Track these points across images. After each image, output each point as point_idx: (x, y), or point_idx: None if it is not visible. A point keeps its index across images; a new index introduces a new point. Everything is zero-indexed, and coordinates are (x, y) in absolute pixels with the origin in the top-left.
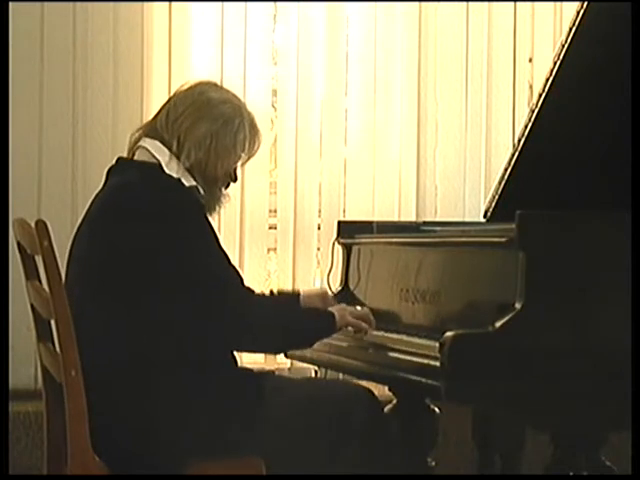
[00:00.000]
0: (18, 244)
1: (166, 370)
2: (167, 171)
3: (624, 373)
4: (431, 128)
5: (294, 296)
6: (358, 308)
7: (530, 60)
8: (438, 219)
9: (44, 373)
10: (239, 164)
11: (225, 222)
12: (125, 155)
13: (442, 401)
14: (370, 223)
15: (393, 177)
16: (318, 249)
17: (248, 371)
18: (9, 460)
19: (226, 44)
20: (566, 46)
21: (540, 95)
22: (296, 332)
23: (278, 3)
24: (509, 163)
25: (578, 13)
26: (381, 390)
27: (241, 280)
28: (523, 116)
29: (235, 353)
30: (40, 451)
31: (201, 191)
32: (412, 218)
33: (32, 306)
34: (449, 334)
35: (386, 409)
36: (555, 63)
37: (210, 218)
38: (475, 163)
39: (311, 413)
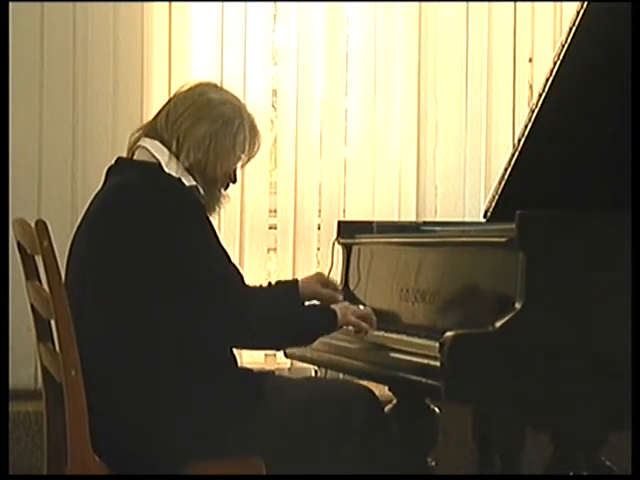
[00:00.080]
0: (18, 244)
1: (166, 370)
2: (167, 171)
3: (624, 373)
4: (431, 128)
5: (293, 288)
6: (361, 307)
7: (530, 60)
8: (438, 219)
9: (44, 373)
10: (239, 165)
11: (225, 222)
12: (125, 155)
13: (442, 401)
14: (370, 223)
15: (393, 177)
16: (318, 249)
17: (248, 371)
18: (9, 460)
19: (226, 44)
20: (566, 46)
21: (540, 95)
22: (296, 329)
23: (278, 3)
24: (509, 163)
25: (578, 13)
26: (381, 390)
27: (241, 278)
28: (523, 116)
29: (235, 353)
30: (40, 451)
31: (201, 191)
32: (412, 218)
33: (32, 306)
34: (449, 334)
35: (386, 409)
36: (555, 63)
37: (210, 218)
38: (475, 163)
39: (311, 413)
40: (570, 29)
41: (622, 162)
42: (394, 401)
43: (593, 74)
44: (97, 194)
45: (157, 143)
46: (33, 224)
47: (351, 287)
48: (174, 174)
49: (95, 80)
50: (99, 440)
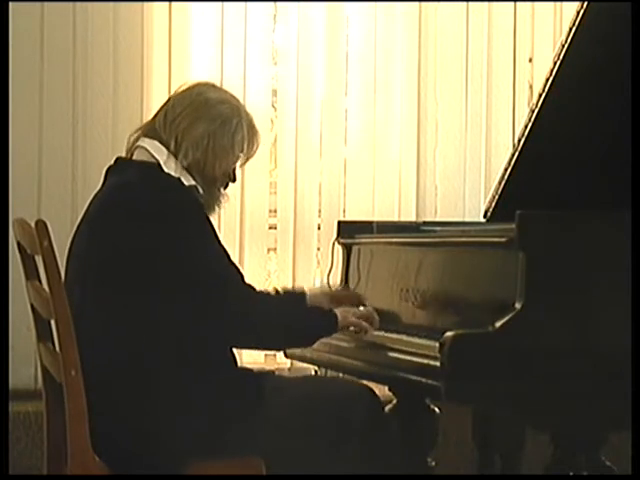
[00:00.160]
0: (18, 244)
1: (166, 370)
2: (166, 170)
3: (624, 373)
4: (431, 128)
5: (299, 295)
6: (361, 309)
7: (530, 60)
8: (438, 219)
9: (44, 373)
10: (238, 165)
11: (225, 222)
12: (124, 155)
13: (442, 401)
14: (370, 223)
15: (393, 177)
16: (318, 249)
17: (248, 371)
18: (9, 460)
19: (226, 44)
20: (566, 46)
21: (540, 95)
22: (297, 330)
23: (278, 3)
24: (509, 163)
25: (578, 13)
26: (381, 390)
27: (242, 277)
28: (523, 116)
29: (235, 353)
30: (40, 451)
31: (200, 190)
32: (412, 218)
33: (32, 306)
34: (449, 334)
35: (386, 409)
36: (555, 63)
37: (210, 218)
38: (475, 163)
39: (311, 413)
40: (570, 29)
41: (622, 162)
42: (394, 401)
43: (593, 74)
44: (97, 194)
45: (156, 143)
46: (33, 224)
47: (351, 287)
48: (173, 174)
49: (95, 80)
50: (99, 440)
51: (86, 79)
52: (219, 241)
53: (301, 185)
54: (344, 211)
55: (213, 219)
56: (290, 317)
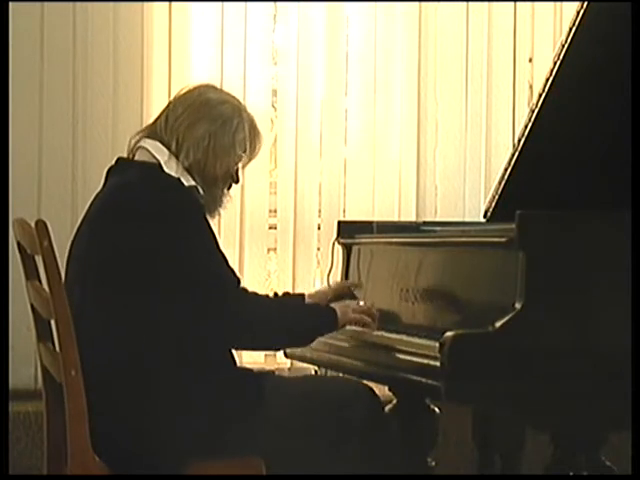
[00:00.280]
0: (18, 244)
1: (166, 370)
2: (167, 170)
3: (624, 373)
4: (431, 128)
5: (297, 295)
6: (361, 303)
7: (530, 60)
8: (438, 219)
9: (44, 373)
10: (240, 165)
11: (225, 222)
12: (125, 155)
13: (442, 401)
14: (370, 223)
15: (393, 177)
16: (318, 249)
17: (248, 371)
18: (9, 460)
19: (226, 44)
20: (566, 46)
21: (540, 95)
22: (296, 329)
23: (278, 3)
24: (509, 163)
25: (578, 13)
26: (381, 390)
27: (238, 281)
28: (523, 116)
29: (235, 353)
30: (40, 451)
31: (200, 191)
32: (412, 218)
33: (32, 306)
34: (449, 334)
35: (386, 409)
36: (555, 63)
37: (210, 219)
38: (475, 163)
39: (311, 413)
40: (570, 29)
41: (622, 162)
42: (394, 401)
43: (593, 74)
44: (97, 194)
45: (157, 144)
46: (33, 224)
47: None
48: (174, 174)
49: (95, 80)
50: (99, 440)
51: (86, 79)
52: (217, 243)
53: (301, 185)
54: (344, 211)
55: (213, 220)
56: (289, 316)
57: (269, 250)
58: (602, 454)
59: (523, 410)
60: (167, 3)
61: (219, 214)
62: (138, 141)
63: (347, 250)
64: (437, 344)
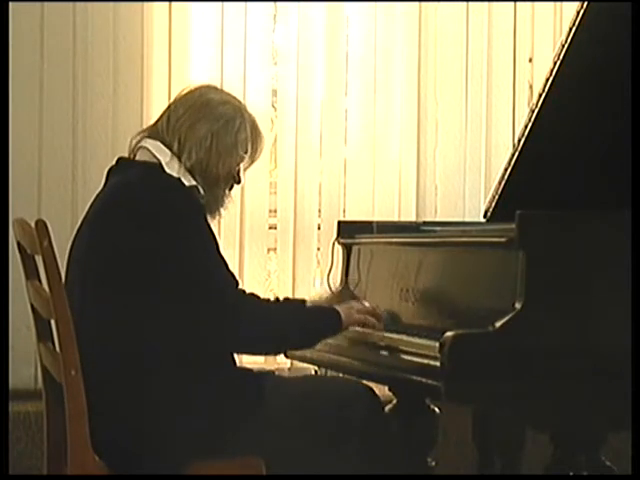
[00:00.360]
0: (18, 244)
1: (166, 370)
2: (168, 171)
3: (624, 373)
4: (431, 128)
5: (299, 300)
6: (366, 304)
7: (530, 60)
8: (438, 219)
9: (44, 373)
10: (242, 166)
11: (225, 222)
12: (125, 155)
13: (442, 401)
14: (370, 223)
15: (393, 177)
16: (318, 249)
17: (248, 371)
18: (9, 460)
19: (226, 44)
20: (566, 46)
21: (540, 95)
22: (298, 331)
23: (278, 3)
24: (509, 163)
25: (578, 13)
26: (381, 390)
27: (237, 283)
28: (523, 116)
29: (234, 354)
30: (40, 451)
31: (201, 191)
32: (412, 218)
33: (32, 306)
34: (449, 334)
35: (386, 409)
36: (555, 63)
37: (210, 220)
38: (475, 163)
39: (311, 412)
40: (570, 29)
41: (622, 162)
42: (394, 401)
43: (593, 74)
44: (98, 194)
45: (158, 144)
46: (33, 224)
47: (351, 287)
48: (175, 174)
49: (95, 80)
50: (99, 440)
51: (86, 79)
52: (217, 245)
53: (301, 185)
54: (344, 211)
55: (213, 221)
56: (291, 318)
57: (269, 250)
58: (602, 454)
59: (523, 410)
60: (167, 3)
61: (220, 214)
62: (139, 141)
63: (347, 250)
64: (437, 344)
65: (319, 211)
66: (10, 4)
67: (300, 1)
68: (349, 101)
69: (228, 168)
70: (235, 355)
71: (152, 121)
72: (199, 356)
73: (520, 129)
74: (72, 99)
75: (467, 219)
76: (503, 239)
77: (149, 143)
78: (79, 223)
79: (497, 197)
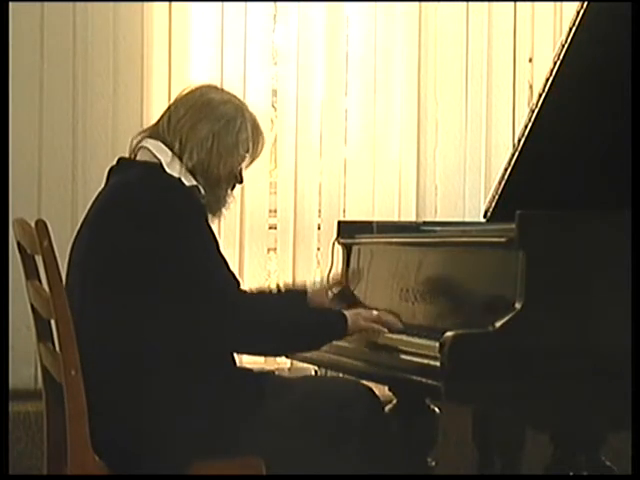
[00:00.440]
0: (18, 244)
1: (166, 370)
2: (168, 171)
3: (624, 373)
4: (431, 128)
5: (300, 293)
6: (374, 312)
7: (530, 60)
8: (438, 219)
9: (44, 373)
10: (243, 165)
11: (225, 222)
12: (125, 156)
13: (442, 401)
14: (370, 223)
15: (393, 177)
16: (318, 249)
17: (248, 371)
18: (9, 460)
19: (226, 44)
20: (566, 46)
21: (540, 95)
22: (301, 334)
23: (278, 3)
24: (509, 163)
25: (578, 13)
26: (381, 390)
27: (238, 284)
28: (523, 116)
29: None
30: (40, 451)
31: (202, 191)
32: (412, 218)
33: (32, 306)
34: (449, 334)
35: (386, 409)
36: (555, 63)
37: (211, 220)
38: (475, 163)
39: (311, 412)
40: (570, 29)
41: (622, 162)
42: (394, 401)
43: (593, 74)
44: (99, 194)
45: (159, 144)
46: (33, 224)
47: (351, 287)
48: (175, 174)
49: (95, 80)
50: (99, 440)
51: (86, 79)
52: (218, 245)
53: (301, 185)
54: (344, 211)
55: (213, 222)
56: (294, 321)
57: (269, 250)
58: (602, 454)
59: (523, 410)
60: (167, 3)
61: (222, 215)
62: (140, 141)
63: (347, 250)
64: (437, 344)
65: (319, 211)
66: (10, 4)
67: (300, 1)
68: (349, 101)
69: (230, 168)
70: (235, 355)
71: (152, 121)
72: (199, 356)
73: (520, 129)
74: (72, 99)
75: (467, 219)
76: (503, 239)
77: (150, 143)
78: (79, 223)
79: (497, 197)
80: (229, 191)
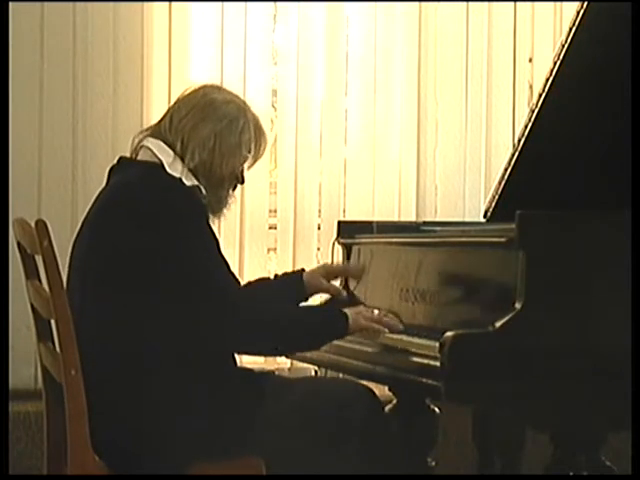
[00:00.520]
0: (18, 244)
1: (166, 370)
2: (169, 171)
3: (624, 373)
4: (431, 128)
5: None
6: (375, 312)
7: (530, 60)
8: (438, 219)
9: (44, 373)
10: (245, 166)
11: (225, 222)
12: (126, 155)
13: (442, 401)
14: (370, 223)
15: (393, 177)
16: (318, 249)
17: (248, 371)
18: (9, 460)
19: (226, 44)
20: (566, 46)
21: (540, 95)
22: (301, 334)
23: (278, 3)
24: (509, 163)
25: (578, 13)
26: (381, 390)
27: (238, 285)
28: (523, 116)
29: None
30: (40, 451)
31: (203, 191)
32: (412, 218)
33: (32, 306)
34: (449, 334)
35: (386, 409)
36: (555, 63)
37: (212, 220)
38: (475, 163)
39: (311, 413)
40: (570, 29)
41: (622, 162)
42: (394, 401)
43: (593, 74)
44: (99, 194)
45: (161, 143)
46: (33, 224)
47: (351, 287)
48: (176, 174)
49: (95, 80)
50: (99, 440)
51: (86, 79)
52: (218, 245)
53: (301, 185)
54: (344, 211)
55: (214, 221)
56: (296, 320)
57: (269, 250)
58: (602, 454)
59: (523, 410)
60: (167, 3)
61: (224, 215)
62: (142, 140)
63: (347, 250)
64: (437, 344)
65: (319, 211)
66: (10, 4)
67: (300, 1)
68: (349, 101)
69: (231, 169)
70: (235, 355)
71: (152, 121)
72: (199, 356)
73: (520, 129)
74: (72, 99)
75: (467, 219)
76: (503, 239)
77: (151, 142)
78: (80, 223)
79: (497, 197)
80: (230, 191)
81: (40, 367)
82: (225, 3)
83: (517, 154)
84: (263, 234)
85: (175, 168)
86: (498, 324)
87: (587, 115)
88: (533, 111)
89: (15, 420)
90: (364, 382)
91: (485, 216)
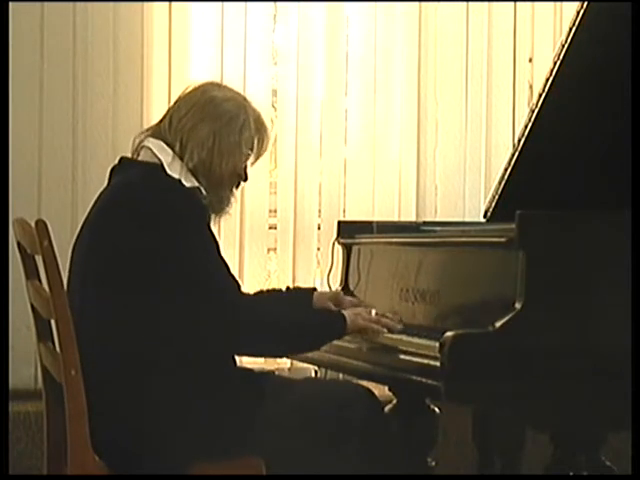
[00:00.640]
0: (18, 244)
1: (166, 370)
2: (169, 172)
3: (624, 373)
4: (431, 128)
5: (305, 294)
6: (373, 312)
7: (530, 60)
8: (438, 219)
9: (44, 373)
10: (248, 163)
11: (225, 222)
12: (127, 155)
13: (442, 401)
14: (370, 223)
15: (393, 177)
16: (318, 249)
17: (248, 371)
18: (9, 460)
19: (226, 44)
20: (566, 46)
21: (540, 95)
22: (300, 335)
23: (278, 3)
24: (509, 163)
25: (578, 13)
26: (381, 390)
27: (238, 286)
28: (523, 116)
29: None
30: (40, 451)
31: (203, 192)
32: (412, 218)
33: (32, 306)
34: (449, 334)
35: (386, 409)
36: (555, 63)
37: (214, 220)
38: (475, 163)
39: (311, 413)
40: (570, 29)
41: (622, 162)
42: (394, 401)
43: (593, 74)
44: (100, 194)
45: (161, 143)
46: (33, 224)
47: (351, 287)
48: (176, 175)
49: (95, 80)
50: (99, 440)
51: (86, 79)
52: (218, 246)
53: (301, 185)
54: (344, 211)
55: (214, 221)
56: (292, 321)
57: (269, 250)
58: (602, 454)
59: (523, 410)
60: (167, 3)
61: (226, 213)
62: (142, 140)
63: (347, 250)
64: (437, 344)
65: (319, 211)
66: (10, 4)
67: (300, 1)
68: (349, 101)
69: (232, 167)
70: (235, 355)
71: (152, 121)
72: (199, 356)
73: (520, 129)
74: (72, 99)
75: (467, 219)
76: (503, 239)
77: (152, 142)
78: (80, 223)
79: (497, 197)
80: (233, 190)
81: (40, 367)
82: (225, 3)
83: (517, 154)
84: (263, 234)
85: (174, 168)
86: (498, 324)
87: (587, 115)
88: (533, 111)
89: (15, 420)
90: (364, 382)
91: (485, 216)
